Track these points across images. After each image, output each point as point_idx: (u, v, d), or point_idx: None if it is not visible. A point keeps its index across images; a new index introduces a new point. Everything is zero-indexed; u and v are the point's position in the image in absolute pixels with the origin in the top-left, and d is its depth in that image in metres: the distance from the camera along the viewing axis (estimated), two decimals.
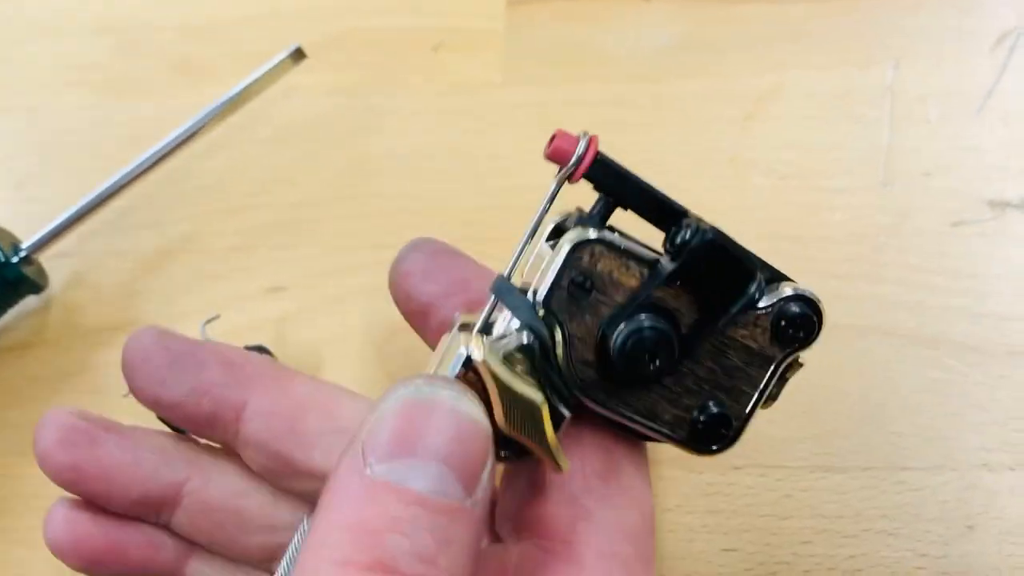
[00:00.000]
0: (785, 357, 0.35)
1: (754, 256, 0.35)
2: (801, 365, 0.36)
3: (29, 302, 0.60)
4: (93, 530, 0.42)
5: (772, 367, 0.36)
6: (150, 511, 0.43)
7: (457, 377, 0.33)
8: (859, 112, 0.59)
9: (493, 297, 0.35)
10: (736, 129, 0.60)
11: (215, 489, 0.43)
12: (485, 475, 0.31)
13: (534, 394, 0.33)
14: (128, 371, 0.42)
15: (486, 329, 0.35)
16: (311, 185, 0.62)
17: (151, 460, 0.42)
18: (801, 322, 0.35)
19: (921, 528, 0.50)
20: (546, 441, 0.33)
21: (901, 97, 0.60)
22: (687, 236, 0.33)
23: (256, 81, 0.60)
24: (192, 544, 0.44)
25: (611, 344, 0.34)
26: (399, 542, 0.28)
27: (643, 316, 0.34)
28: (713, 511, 0.51)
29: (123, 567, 0.43)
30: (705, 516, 0.51)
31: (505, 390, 0.33)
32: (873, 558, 0.49)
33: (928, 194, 0.57)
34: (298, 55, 0.60)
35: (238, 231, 0.61)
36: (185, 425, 0.43)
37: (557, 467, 0.34)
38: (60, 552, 0.42)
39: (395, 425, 0.30)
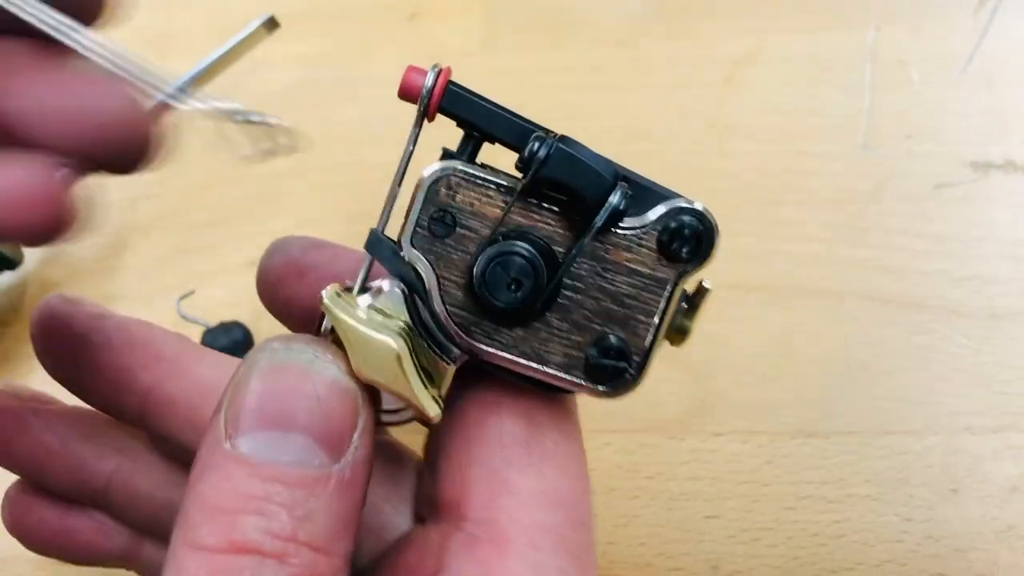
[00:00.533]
0: (680, 277, 0.32)
1: (619, 167, 0.32)
2: (708, 290, 0.33)
3: (4, 278, 0.59)
4: (44, 514, 0.41)
5: (667, 290, 0.32)
6: (86, 498, 0.41)
7: (322, 335, 0.32)
8: (840, 76, 0.59)
9: (367, 254, 0.33)
10: (715, 94, 0.59)
11: (143, 479, 0.41)
12: (355, 437, 0.30)
13: (388, 337, 0.31)
14: (34, 345, 0.40)
15: (365, 290, 0.33)
16: (286, 157, 0.61)
17: (78, 447, 0.40)
18: (689, 235, 0.31)
19: (905, 492, 0.50)
20: (409, 387, 0.31)
21: (882, 60, 0.59)
22: (535, 148, 0.30)
23: (229, 51, 0.58)
24: (142, 530, 0.42)
25: (474, 275, 0.32)
26: (255, 522, 0.27)
27: (505, 243, 0.31)
28: (694, 478, 0.50)
29: (76, 551, 0.42)
30: (686, 483, 0.50)
31: (355, 335, 0.31)
32: (857, 523, 0.49)
33: (910, 157, 0.56)
34: (271, 24, 0.59)
35: (213, 206, 0.60)
36: (96, 407, 0.41)
37: (425, 415, 0.32)
38: (15, 534, 0.41)
39: (250, 394, 0.29)
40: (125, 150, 0.29)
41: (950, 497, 0.49)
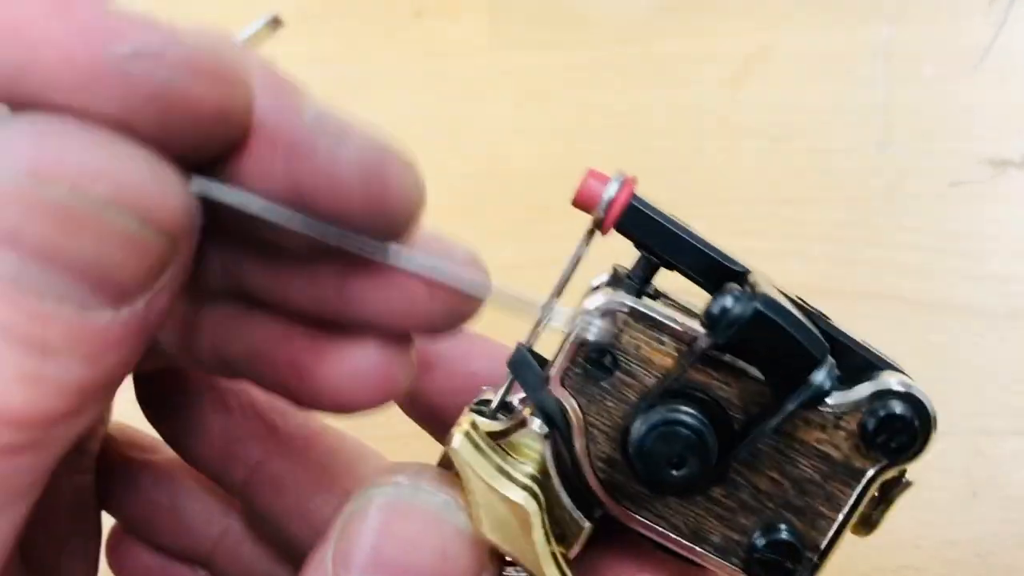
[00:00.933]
0: (880, 472, 0.27)
1: (836, 333, 0.27)
2: (909, 484, 0.28)
3: None
4: (148, 562, 0.37)
5: (860, 484, 0.27)
6: (190, 556, 0.38)
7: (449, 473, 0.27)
8: (853, 72, 0.58)
9: (509, 374, 0.28)
10: (726, 91, 0.58)
11: (248, 549, 0.37)
12: None
13: (520, 497, 0.26)
14: (137, 393, 0.35)
15: (504, 406, 0.29)
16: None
17: (187, 507, 0.37)
18: (898, 427, 0.26)
19: (924, 496, 0.48)
20: (535, 558, 0.27)
21: (896, 56, 0.58)
22: (726, 305, 0.25)
23: None
24: None
25: (630, 440, 0.27)
26: None
27: (673, 406, 0.26)
28: None
29: None
30: None
31: (481, 487, 0.26)
32: None
33: (925, 155, 0.55)
34: (275, 23, 0.58)
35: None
36: (196, 468, 0.36)
37: None
38: (116, 574, 0.38)
39: (367, 534, 0.25)
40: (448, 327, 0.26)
41: (969, 501, 0.48)
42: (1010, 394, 0.50)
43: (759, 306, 0.24)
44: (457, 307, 0.25)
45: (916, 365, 0.50)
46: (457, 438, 0.27)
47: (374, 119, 0.63)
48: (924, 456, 0.26)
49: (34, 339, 0.19)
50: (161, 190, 0.20)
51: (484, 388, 0.30)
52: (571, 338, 0.27)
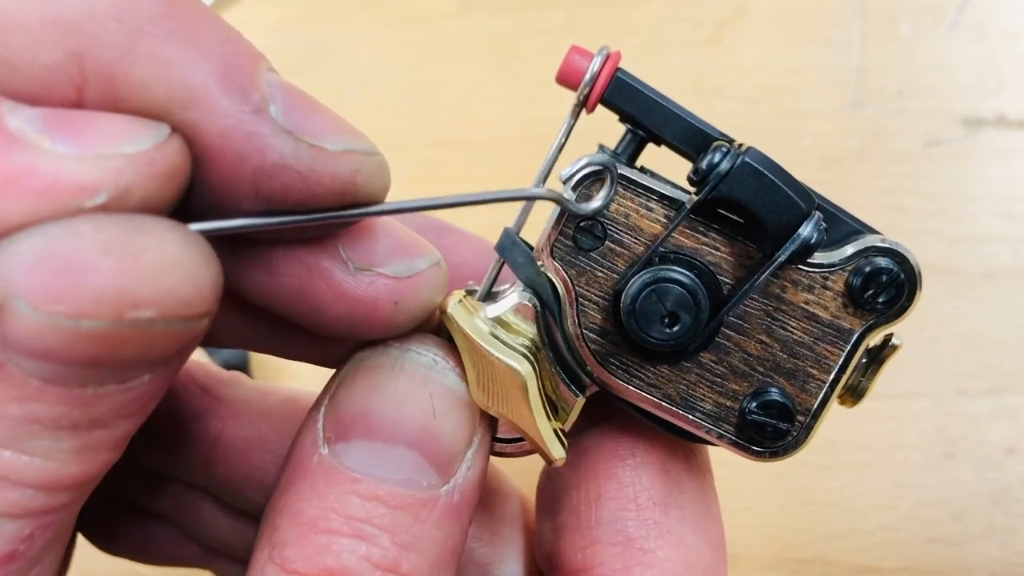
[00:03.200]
0: (868, 330, 0.27)
1: (814, 193, 0.27)
2: (896, 346, 0.28)
3: None
4: (119, 520, 0.38)
5: (849, 344, 0.27)
6: (157, 511, 0.38)
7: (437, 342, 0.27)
8: (828, 32, 0.57)
9: (497, 259, 0.28)
10: (699, 53, 0.57)
11: (207, 509, 0.37)
12: (469, 455, 0.26)
13: (514, 361, 0.26)
14: None
15: (491, 295, 0.29)
16: None
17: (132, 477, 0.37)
18: (886, 281, 0.26)
19: (899, 457, 0.49)
20: (532, 422, 0.27)
21: (871, 15, 0.57)
22: (715, 160, 0.25)
23: None
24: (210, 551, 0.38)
25: (622, 301, 0.27)
26: (353, 547, 0.24)
27: (665, 267, 0.27)
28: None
29: (152, 556, 0.39)
30: None
31: (477, 352, 0.26)
32: (849, 490, 0.48)
33: (900, 114, 0.55)
34: None
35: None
36: (153, 463, 0.36)
37: (548, 455, 0.27)
38: (89, 537, 0.38)
39: (356, 396, 0.26)
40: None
41: (944, 461, 0.48)
42: (986, 355, 0.50)
43: (747, 159, 0.25)
44: (416, 315, 0.26)
45: (892, 326, 0.50)
46: (451, 302, 0.27)
47: (343, 85, 0.63)
48: (911, 311, 0.26)
49: (77, 421, 0.21)
50: (197, 287, 0.20)
51: (470, 282, 0.30)
52: (558, 208, 0.27)
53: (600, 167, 0.26)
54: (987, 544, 0.47)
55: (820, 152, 0.54)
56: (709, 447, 0.31)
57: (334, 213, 0.23)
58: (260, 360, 0.53)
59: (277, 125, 0.21)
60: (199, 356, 0.53)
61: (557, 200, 0.26)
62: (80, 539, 0.39)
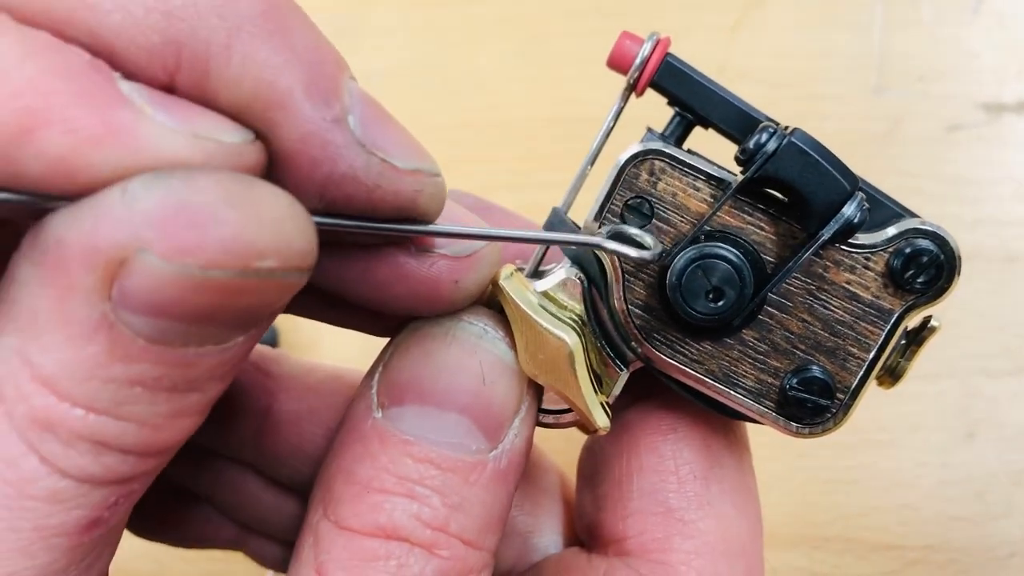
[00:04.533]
0: (907, 310, 0.28)
1: (865, 185, 0.28)
2: (935, 328, 0.29)
3: None
4: (152, 504, 0.38)
5: (889, 323, 0.27)
6: (194, 490, 0.39)
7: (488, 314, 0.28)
8: (850, 17, 0.58)
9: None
10: (725, 38, 0.58)
11: (251, 482, 0.38)
12: (517, 422, 0.27)
13: (563, 332, 0.27)
14: None
15: (537, 273, 0.30)
16: None
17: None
18: (925, 262, 0.27)
19: (920, 437, 0.49)
20: (579, 391, 0.27)
21: (894, 0, 0.58)
22: (762, 140, 0.26)
23: None
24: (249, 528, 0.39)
25: (668, 275, 0.27)
26: (405, 506, 0.25)
27: (710, 244, 0.27)
28: None
29: (186, 538, 0.40)
30: None
31: (528, 325, 0.27)
32: (872, 469, 0.49)
33: (922, 99, 0.55)
34: None
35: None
36: (198, 439, 0.37)
37: (593, 424, 0.28)
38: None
39: (410, 363, 0.27)
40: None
41: (966, 441, 0.49)
42: (1008, 336, 0.50)
43: (793, 139, 0.26)
44: (473, 292, 0.27)
45: None
46: (504, 273, 0.27)
47: (370, 68, 0.63)
48: (950, 293, 0.27)
49: (177, 382, 0.21)
50: (308, 240, 0.21)
51: (517, 261, 0.30)
52: (610, 188, 0.27)
53: (649, 151, 0.27)
54: (1008, 523, 0.47)
55: (842, 136, 0.55)
56: (748, 426, 0.32)
57: (397, 227, 0.24)
58: (288, 339, 0.54)
59: (353, 137, 0.22)
60: None
61: (617, 252, 0.26)
62: None
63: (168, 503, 0.39)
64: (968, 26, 0.56)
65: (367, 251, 0.25)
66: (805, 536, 0.48)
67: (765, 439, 0.49)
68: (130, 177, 0.19)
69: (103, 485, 0.21)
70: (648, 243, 0.26)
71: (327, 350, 0.54)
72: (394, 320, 0.28)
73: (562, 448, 0.35)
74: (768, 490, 0.48)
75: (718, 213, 0.27)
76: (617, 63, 0.28)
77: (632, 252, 0.26)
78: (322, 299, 0.27)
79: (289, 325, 0.54)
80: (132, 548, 0.39)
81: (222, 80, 0.21)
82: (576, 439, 0.34)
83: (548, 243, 0.26)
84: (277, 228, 0.20)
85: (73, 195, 0.19)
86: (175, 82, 0.21)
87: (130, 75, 0.20)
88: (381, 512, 0.25)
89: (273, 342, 0.52)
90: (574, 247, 0.28)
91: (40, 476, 0.21)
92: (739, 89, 0.56)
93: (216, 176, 0.19)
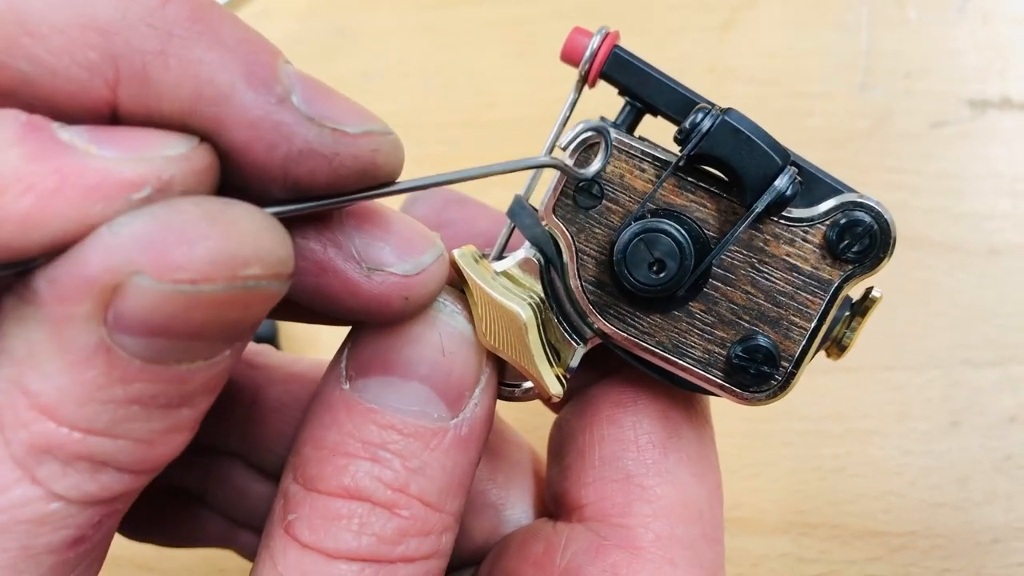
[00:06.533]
0: (845, 280, 0.29)
1: (793, 154, 0.29)
2: (877, 299, 0.30)
3: None
4: (140, 505, 0.40)
5: (829, 293, 0.29)
6: (184, 489, 0.40)
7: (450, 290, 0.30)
8: (837, 17, 0.59)
9: (508, 220, 0.31)
10: (714, 37, 0.59)
11: (239, 476, 0.40)
12: (476, 393, 0.29)
13: (515, 304, 0.29)
14: None
15: (502, 257, 0.31)
16: None
17: None
18: (859, 232, 0.28)
19: (905, 426, 0.50)
20: (532, 360, 0.29)
21: (881, 1, 0.59)
22: (697, 119, 0.28)
23: (228, 3, 0.59)
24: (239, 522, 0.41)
25: (615, 250, 0.29)
26: (368, 468, 0.27)
27: (653, 220, 0.29)
28: None
29: (174, 538, 0.41)
30: None
31: (483, 298, 0.29)
32: (857, 457, 0.50)
33: (908, 96, 0.56)
34: None
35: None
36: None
37: (545, 390, 0.30)
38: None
39: (374, 339, 0.28)
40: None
41: (949, 429, 0.50)
42: (990, 327, 0.51)
43: (726, 117, 0.28)
44: (423, 304, 0.28)
45: (900, 300, 0.52)
46: (458, 251, 0.29)
47: (368, 69, 0.64)
48: (886, 261, 0.28)
49: (171, 399, 0.23)
50: (286, 248, 0.22)
51: (487, 250, 0.32)
52: (560, 171, 0.29)
53: (595, 131, 0.28)
54: (991, 509, 0.48)
55: (830, 132, 0.56)
56: (712, 404, 0.34)
57: (361, 195, 0.25)
58: (288, 334, 0.55)
59: (300, 113, 0.23)
60: None
61: (557, 166, 0.28)
62: None
63: (157, 503, 0.40)
64: (953, 25, 0.58)
65: (319, 267, 0.26)
66: (792, 523, 0.49)
67: (752, 427, 0.50)
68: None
69: (92, 504, 0.23)
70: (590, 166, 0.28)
71: (324, 344, 0.55)
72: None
73: (541, 424, 0.36)
74: (756, 477, 0.50)
75: (663, 192, 0.29)
76: (569, 56, 0.30)
77: (576, 170, 0.28)
78: (291, 307, 0.29)
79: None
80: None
81: (163, 85, 0.22)
82: (549, 417, 0.36)
83: (502, 171, 0.28)
84: (256, 238, 0.21)
85: (49, 250, 0.21)
86: (118, 97, 0.22)
87: (74, 98, 0.22)
88: (345, 474, 0.27)
89: (273, 334, 0.54)
90: (532, 231, 0.30)
91: (31, 500, 0.22)
92: (728, 87, 0.58)
93: (194, 199, 0.21)
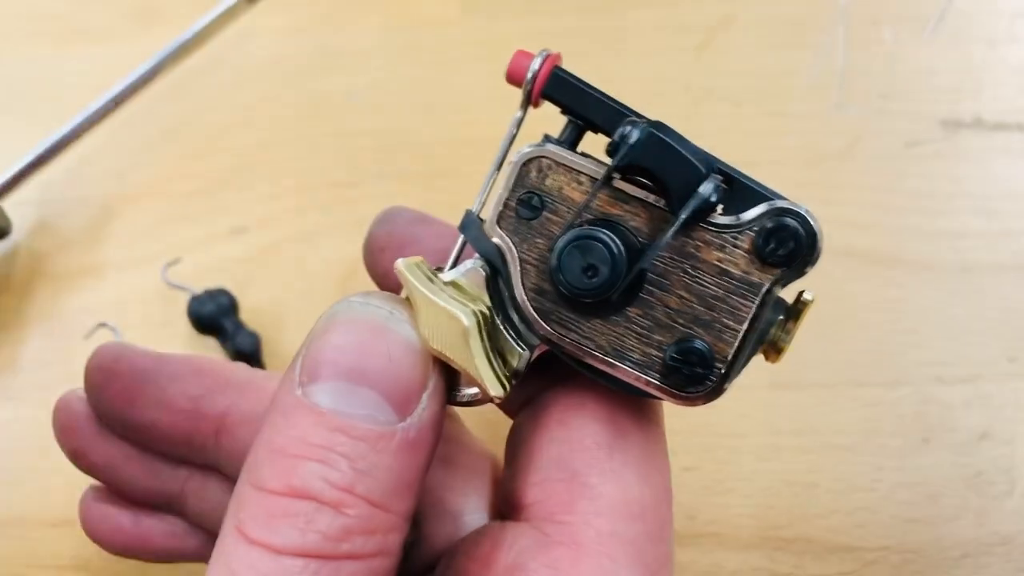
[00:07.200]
0: (775, 283, 0.30)
1: (718, 161, 0.30)
2: (808, 302, 0.31)
3: None
4: (118, 521, 0.42)
5: (759, 296, 0.30)
6: (162, 503, 0.42)
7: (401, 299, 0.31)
8: (813, 38, 0.60)
9: (460, 236, 0.33)
10: (690, 58, 0.60)
11: (216, 486, 0.41)
12: (424, 398, 0.30)
13: (456, 309, 0.30)
14: (92, 395, 0.40)
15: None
16: (270, 126, 0.62)
17: (154, 453, 0.41)
18: (785, 236, 0.29)
19: (878, 442, 0.51)
20: (472, 362, 0.30)
21: (855, 21, 0.60)
22: (625, 131, 0.29)
23: (211, 22, 0.59)
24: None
25: (551, 256, 0.31)
26: (315, 469, 0.28)
27: (587, 228, 0.30)
28: (671, 431, 0.51)
29: (152, 553, 0.42)
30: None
31: (425, 304, 0.30)
32: (831, 472, 0.50)
33: (882, 116, 0.57)
34: None
35: (199, 175, 0.61)
36: (161, 446, 0.40)
37: (486, 391, 0.31)
38: (94, 539, 0.42)
39: (326, 344, 0.30)
40: None
41: (921, 446, 0.50)
42: (961, 344, 0.52)
43: (652, 130, 0.29)
44: None
45: (873, 317, 0.52)
46: (400, 261, 0.31)
47: (351, 86, 0.65)
48: (813, 265, 0.29)
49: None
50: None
51: (440, 265, 0.34)
52: (506, 185, 0.31)
53: (535, 155, 0.31)
54: (961, 525, 0.49)
55: (805, 152, 0.57)
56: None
57: None
58: (271, 350, 0.55)
59: None
60: (213, 351, 0.55)
61: None
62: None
63: (136, 518, 0.41)
64: (926, 47, 0.59)
65: None
66: (765, 537, 0.49)
67: (726, 443, 0.51)
68: None
69: None
70: None
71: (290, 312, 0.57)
72: None
73: (501, 437, 0.37)
74: (731, 492, 0.51)
75: (599, 202, 0.31)
76: (512, 77, 0.32)
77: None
78: None
79: (273, 335, 0.56)
80: None
81: None
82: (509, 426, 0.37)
83: None
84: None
85: None
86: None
87: None
88: (294, 474, 0.28)
89: (255, 352, 0.54)
90: (480, 243, 0.32)
91: None
92: (704, 107, 0.58)
93: None
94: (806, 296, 0.31)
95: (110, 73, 0.60)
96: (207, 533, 0.42)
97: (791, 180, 0.56)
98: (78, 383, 0.41)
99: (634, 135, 0.29)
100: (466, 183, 0.57)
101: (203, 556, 0.42)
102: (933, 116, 0.57)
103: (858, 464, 0.51)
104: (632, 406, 0.34)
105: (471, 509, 0.38)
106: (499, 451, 0.40)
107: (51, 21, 0.68)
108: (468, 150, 0.59)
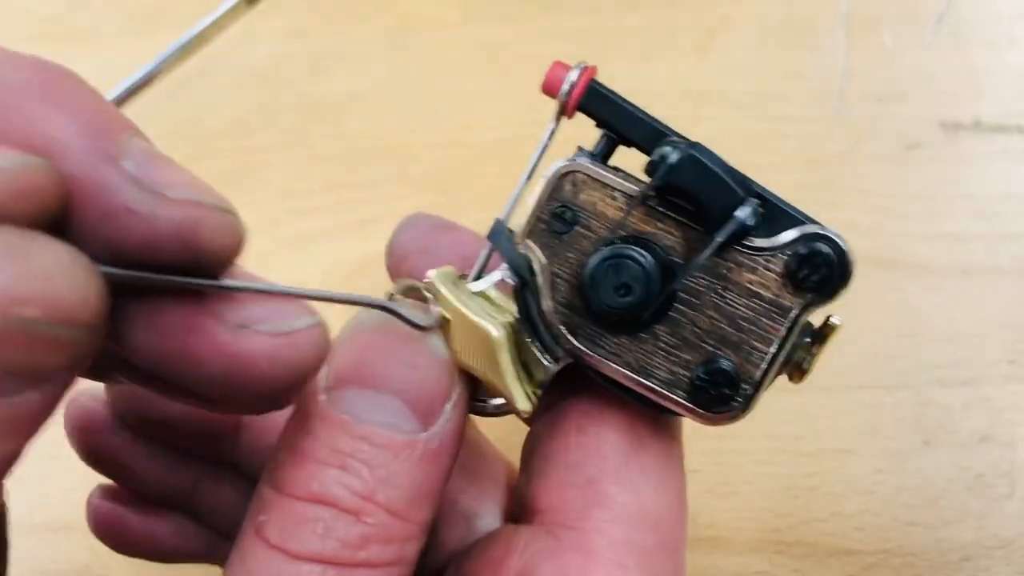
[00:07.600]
0: (805, 308, 0.30)
1: (755, 184, 0.31)
2: (836, 326, 0.31)
3: None
4: (126, 520, 0.42)
5: (789, 320, 0.30)
6: (172, 502, 0.42)
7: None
8: (813, 41, 0.60)
9: (488, 243, 0.33)
10: (689, 61, 0.60)
11: (228, 485, 0.41)
12: (447, 408, 0.30)
13: (487, 322, 0.30)
14: (115, 389, 0.40)
15: (481, 279, 0.33)
16: (268, 129, 0.62)
17: (165, 451, 0.41)
18: (818, 262, 0.29)
19: (878, 445, 0.51)
20: (501, 376, 0.30)
21: (855, 23, 0.60)
22: (664, 152, 0.29)
23: (210, 25, 0.59)
24: (226, 534, 0.42)
25: (583, 273, 0.31)
26: (336, 476, 0.28)
27: (623, 246, 0.30)
28: None
29: (159, 553, 0.42)
30: None
31: (456, 316, 0.30)
32: (831, 476, 0.50)
33: (882, 119, 0.57)
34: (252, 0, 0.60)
35: (199, 176, 0.61)
36: (181, 442, 0.40)
37: (514, 405, 0.31)
38: (101, 539, 0.42)
39: (352, 351, 0.30)
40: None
41: (921, 448, 0.50)
42: (962, 347, 0.52)
43: (692, 151, 0.29)
44: (294, 369, 0.27)
45: (873, 320, 0.52)
46: (432, 272, 0.31)
47: (350, 90, 0.65)
48: (844, 292, 0.30)
49: None
50: (81, 295, 0.21)
51: (465, 272, 0.33)
52: (539, 199, 0.31)
53: (569, 170, 0.31)
54: (961, 528, 0.49)
55: (805, 155, 0.57)
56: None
57: (191, 281, 0.25)
58: None
59: (127, 175, 0.23)
60: None
61: (392, 311, 0.30)
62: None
63: (145, 516, 0.41)
64: (926, 50, 0.58)
65: (183, 327, 0.25)
66: (766, 541, 0.49)
67: (727, 446, 0.51)
68: None
69: None
70: (422, 320, 0.30)
71: None
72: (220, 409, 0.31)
73: (516, 444, 0.37)
74: (730, 496, 0.51)
75: (633, 220, 0.31)
76: (549, 89, 0.31)
77: (411, 318, 0.30)
78: (161, 383, 0.28)
79: None
80: None
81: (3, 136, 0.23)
82: (524, 432, 0.37)
83: (327, 300, 0.28)
84: (45, 279, 0.21)
85: None
86: None
87: None
88: (315, 480, 0.28)
89: None
90: (510, 254, 0.32)
91: None
92: (703, 110, 0.58)
93: None
94: (833, 320, 0.31)
95: (110, 75, 0.60)
96: (216, 533, 0.42)
97: (792, 182, 0.56)
98: (77, 385, 0.41)
99: (673, 156, 0.29)
100: (466, 186, 0.58)
101: (210, 556, 0.42)
102: (933, 119, 0.57)
103: (859, 468, 0.51)
104: (651, 418, 0.33)
105: (484, 512, 0.39)
106: (512, 455, 0.40)
107: (51, 22, 0.68)
108: (467, 152, 0.59)
